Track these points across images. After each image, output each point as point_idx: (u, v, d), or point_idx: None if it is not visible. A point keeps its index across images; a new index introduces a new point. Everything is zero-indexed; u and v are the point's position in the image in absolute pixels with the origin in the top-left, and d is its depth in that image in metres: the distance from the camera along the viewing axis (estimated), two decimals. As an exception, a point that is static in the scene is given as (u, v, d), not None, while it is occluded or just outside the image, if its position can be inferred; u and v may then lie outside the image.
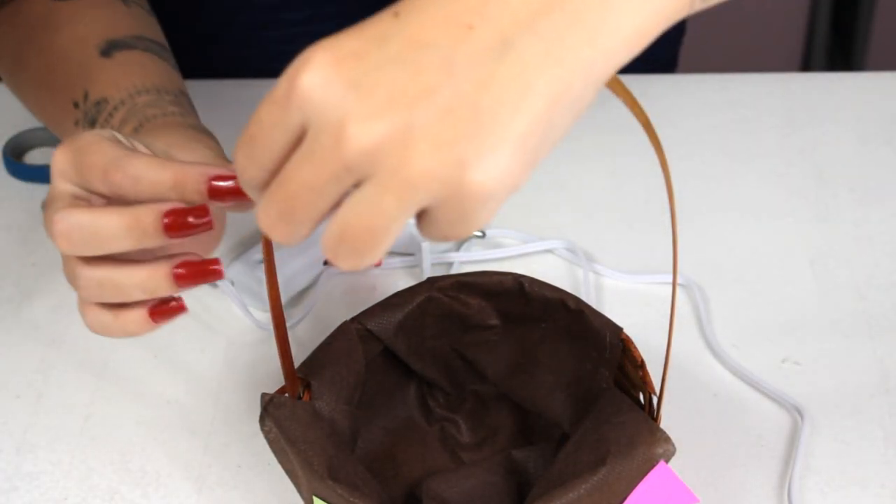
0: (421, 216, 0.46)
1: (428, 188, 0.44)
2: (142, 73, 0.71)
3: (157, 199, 0.55)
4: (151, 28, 0.77)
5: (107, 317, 0.58)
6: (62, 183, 0.57)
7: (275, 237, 0.47)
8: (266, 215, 0.47)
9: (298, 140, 0.45)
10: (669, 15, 0.47)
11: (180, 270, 0.56)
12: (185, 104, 0.71)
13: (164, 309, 0.57)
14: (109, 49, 0.72)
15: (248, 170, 0.47)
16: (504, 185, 0.44)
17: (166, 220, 0.54)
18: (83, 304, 0.58)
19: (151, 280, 0.56)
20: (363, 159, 0.43)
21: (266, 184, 0.47)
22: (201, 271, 0.56)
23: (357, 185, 0.44)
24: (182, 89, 0.72)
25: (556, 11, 0.44)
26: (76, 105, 0.71)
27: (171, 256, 0.56)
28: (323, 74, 0.44)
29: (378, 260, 0.46)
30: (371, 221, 0.44)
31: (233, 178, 0.55)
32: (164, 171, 0.55)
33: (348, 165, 0.44)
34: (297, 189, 0.45)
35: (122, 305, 0.58)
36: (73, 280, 0.57)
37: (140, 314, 0.57)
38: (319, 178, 0.44)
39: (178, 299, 0.58)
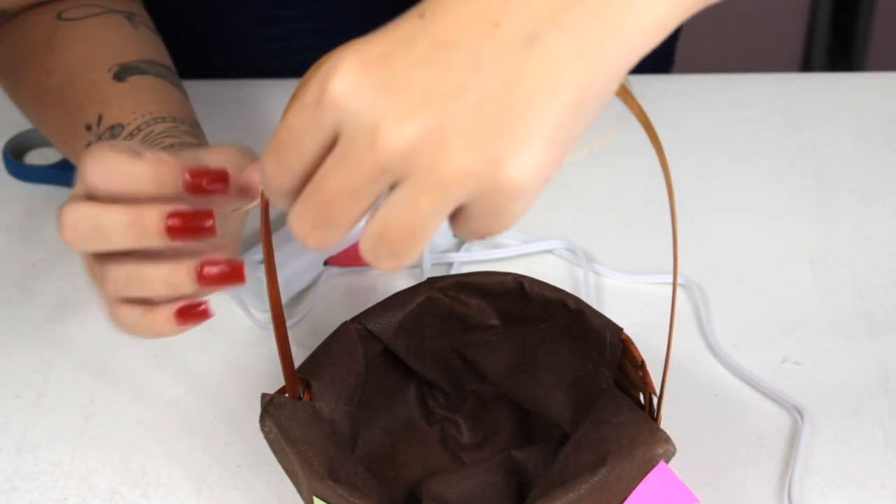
0: (455, 215, 0.46)
1: (463, 186, 0.44)
2: (157, 101, 0.71)
3: (138, 195, 0.55)
4: (160, 51, 0.77)
5: (136, 314, 0.58)
6: (76, 187, 0.58)
7: (309, 243, 0.47)
8: (301, 222, 0.47)
9: (329, 146, 0.46)
10: (686, 8, 0.47)
11: (207, 269, 0.56)
12: (201, 135, 0.71)
13: (189, 311, 0.58)
14: (122, 73, 0.72)
15: (278, 176, 0.47)
16: (537, 179, 0.45)
17: (169, 222, 0.54)
18: (112, 303, 0.58)
19: (174, 276, 0.56)
20: (399, 160, 0.44)
21: (295, 190, 0.47)
22: (224, 273, 0.57)
23: (392, 187, 0.45)
24: (195, 119, 0.72)
25: (579, 6, 0.45)
26: (88, 128, 0.70)
27: (198, 255, 0.57)
28: (353, 79, 0.44)
29: (415, 260, 0.46)
30: (409, 222, 0.45)
31: (208, 175, 0.55)
32: (137, 164, 0.55)
33: (384, 167, 0.44)
34: (332, 194, 0.45)
35: (151, 305, 0.58)
36: (99, 279, 0.58)
37: (166, 313, 0.58)
38: (355, 181, 0.45)
39: (206, 303, 0.58)
